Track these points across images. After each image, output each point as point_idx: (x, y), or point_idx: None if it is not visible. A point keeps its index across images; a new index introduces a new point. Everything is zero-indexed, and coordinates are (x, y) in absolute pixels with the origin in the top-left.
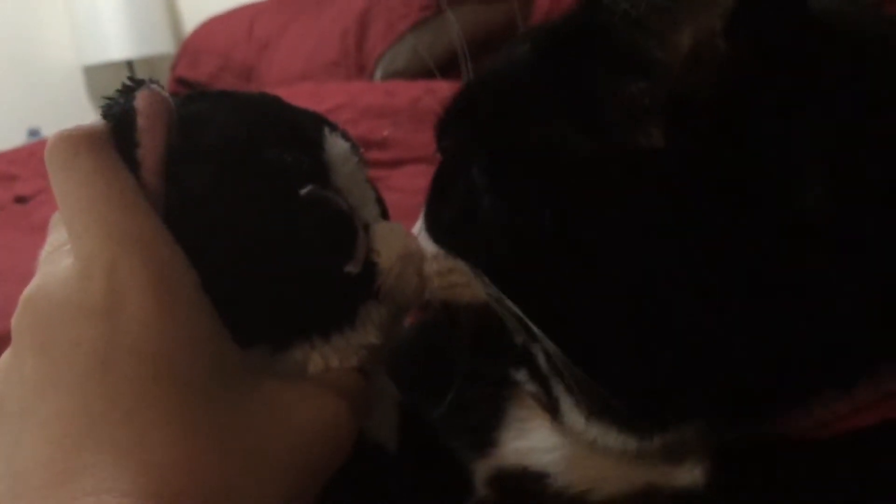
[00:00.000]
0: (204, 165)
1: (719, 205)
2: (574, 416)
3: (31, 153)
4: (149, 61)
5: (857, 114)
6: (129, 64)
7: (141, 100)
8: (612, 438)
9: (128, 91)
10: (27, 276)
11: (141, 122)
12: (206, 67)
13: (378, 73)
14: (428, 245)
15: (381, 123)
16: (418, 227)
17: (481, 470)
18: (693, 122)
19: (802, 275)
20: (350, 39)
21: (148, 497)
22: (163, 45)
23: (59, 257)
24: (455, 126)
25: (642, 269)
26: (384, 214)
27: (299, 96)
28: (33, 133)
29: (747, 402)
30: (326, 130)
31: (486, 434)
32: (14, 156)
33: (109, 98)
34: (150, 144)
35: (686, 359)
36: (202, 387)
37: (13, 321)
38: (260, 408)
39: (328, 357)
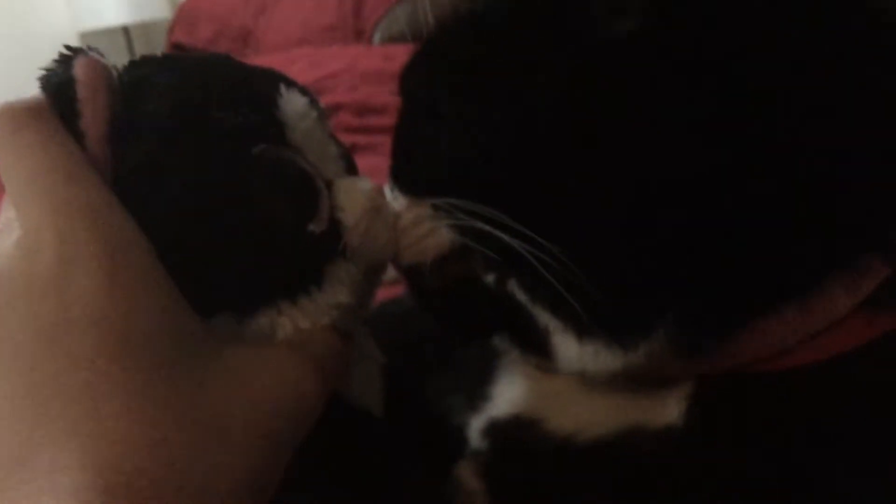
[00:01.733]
0: (149, 131)
1: (686, 86)
2: (566, 342)
3: None
4: (145, 27)
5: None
6: (125, 30)
7: (79, 69)
8: (602, 357)
9: (66, 60)
10: None
11: (81, 91)
12: (203, 33)
13: (376, 38)
14: (394, 203)
15: (380, 89)
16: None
17: (476, 423)
18: (676, 5)
19: (764, 154)
20: (347, 4)
21: (105, 472)
22: (159, 10)
23: (8, 234)
24: (419, 65)
25: (618, 154)
26: (351, 170)
27: (297, 61)
28: None
29: (713, 300)
30: (282, 87)
31: (479, 389)
32: None
33: (48, 69)
34: (93, 114)
35: (660, 244)
36: (159, 358)
37: None
38: (221, 377)
39: (297, 320)
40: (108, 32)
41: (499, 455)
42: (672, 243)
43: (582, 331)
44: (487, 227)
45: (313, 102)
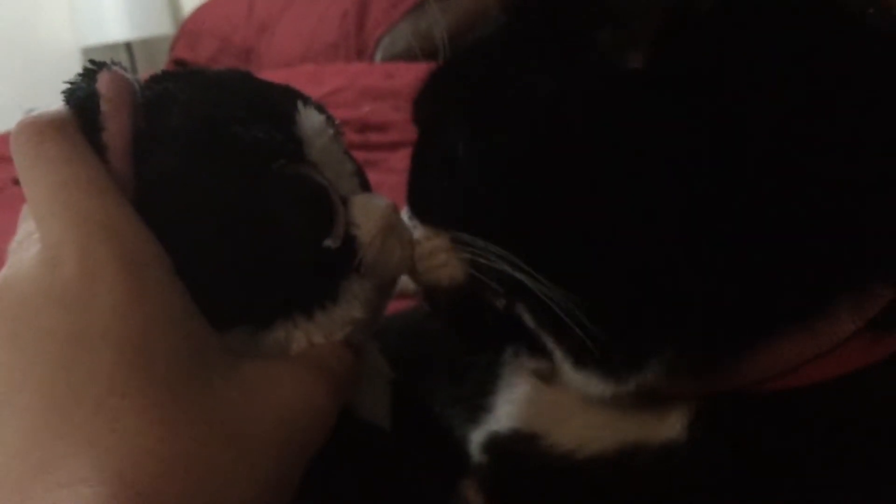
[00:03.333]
0: (171, 146)
1: (695, 124)
2: (565, 367)
3: None
4: (147, 43)
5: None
6: (128, 45)
7: (103, 83)
8: (594, 386)
9: (90, 75)
10: None
11: (104, 105)
12: (205, 49)
13: (378, 56)
14: (413, 231)
15: (382, 106)
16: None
17: (477, 437)
18: (684, 43)
19: (769, 195)
20: (350, 21)
21: (124, 485)
22: (161, 26)
23: (27, 246)
24: (432, 95)
25: (619, 192)
26: (365, 186)
27: (299, 78)
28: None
29: (712, 330)
30: (300, 104)
31: (480, 400)
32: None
33: (72, 83)
34: (116, 128)
35: (658, 279)
36: (177, 372)
37: None
38: (237, 391)
39: (311, 334)
40: (110, 48)
41: (499, 469)
42: (681, 265)
43: (578, 361)
44: (497, 265)
45: (329, 119)
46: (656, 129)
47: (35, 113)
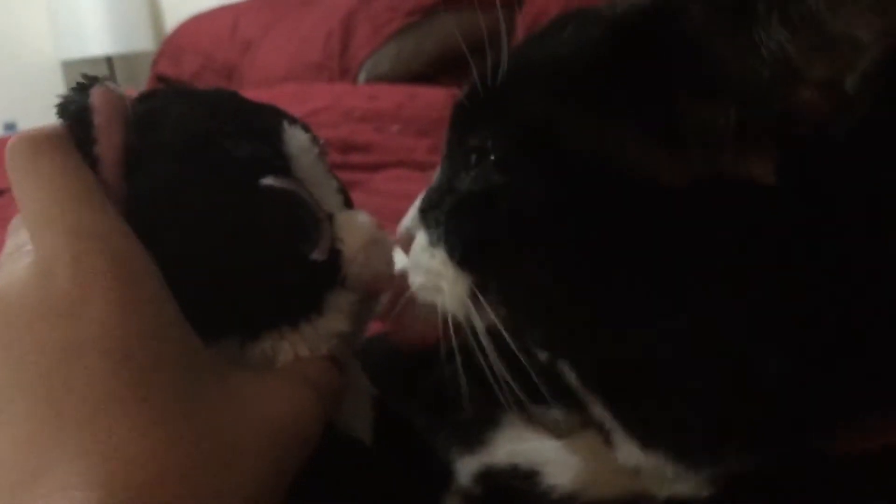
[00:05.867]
0: (162, 160)
1: (816, 250)
2: (628, 448)
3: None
4: (128, 58)
5: None
6: (109, 60)
7: (96, 97)
8: (659, 469)
9: (83, 89)
10: None
11: (97, 119)
12: (187, 66)
13: (362, 77)
14: (431, 259)
15: (364, 127)
16: (404, 226)
17: (470, 466)
18: (812, 160)
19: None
20: (334, 42)
21: (116, 490)
22: (143, 42)
23: (18, 258)
24: (493, 120)
25: (710, 303)
26: (348, 204)
27: (282, 97)
28: (9, 127)
29: (799, 426)
30: (285, 123)
31: (477, 433)
32: None
33: (65, 97)
34: (108, 141)
35: (746, 396)
36: (167, 381)
37: None
38: (226, 401)
39: (297, 346)
40: (91, 62)
41: (491, 500)
42: (787, 370)
43: (646, 444)
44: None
45: (314, 139)
46: (777, 244)
47: (30, 128)
